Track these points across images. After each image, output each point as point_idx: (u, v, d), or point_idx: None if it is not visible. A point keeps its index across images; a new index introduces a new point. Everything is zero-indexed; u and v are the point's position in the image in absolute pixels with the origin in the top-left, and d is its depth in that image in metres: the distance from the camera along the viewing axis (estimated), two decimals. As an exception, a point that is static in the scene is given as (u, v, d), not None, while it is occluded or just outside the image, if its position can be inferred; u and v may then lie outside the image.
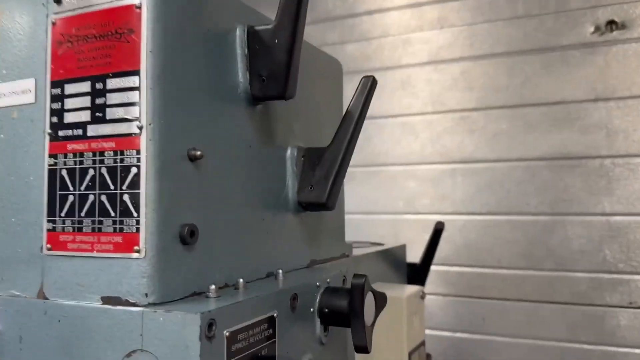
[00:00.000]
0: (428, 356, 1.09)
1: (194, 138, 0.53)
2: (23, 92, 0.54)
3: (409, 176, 1.62)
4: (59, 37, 0.52)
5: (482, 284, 1.51)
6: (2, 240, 0.54)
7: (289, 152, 0.70)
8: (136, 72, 0.49)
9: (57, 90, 0.52)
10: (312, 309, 0.63)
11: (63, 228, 0.51)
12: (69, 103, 0.51)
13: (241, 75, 0.60)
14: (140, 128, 0.48)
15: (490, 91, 1.52)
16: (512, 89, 1.48)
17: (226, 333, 0.47)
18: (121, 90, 0.49)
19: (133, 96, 0.49)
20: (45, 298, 0.51)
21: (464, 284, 1.52)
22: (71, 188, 0.51)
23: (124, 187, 0.49)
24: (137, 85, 0.49)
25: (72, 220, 0.51)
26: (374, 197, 1.66)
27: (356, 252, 0.95)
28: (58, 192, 0.51)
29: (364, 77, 0.71)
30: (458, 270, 1.54)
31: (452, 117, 1.57)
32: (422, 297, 0.93)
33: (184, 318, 0.44)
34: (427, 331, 1.51)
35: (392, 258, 1.08)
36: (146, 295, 0.47)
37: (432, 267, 1.54)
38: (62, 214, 0.51)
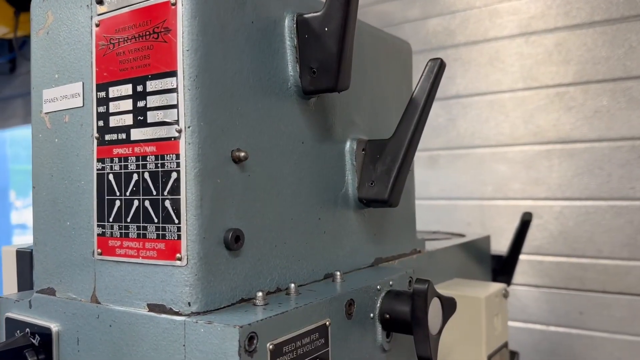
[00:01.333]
0: (513, 354, 1.02)
1: (238, 138, 0.50)
2: (72, 95, 0.54)
3: (498, 159, 1.51)
4: (102, 38, 0.51)
5: (580, 275, 1.38)
6: (59, 243, 0.55)
7: (347, 145, 0.66)
8: (174, 73, 0.47)
9: (102, 94, 0.51)
10: (372, 315, 0.59)
11: (111, 233, 0.51)
12: (113, 106, 0.51)
13: (291, 68, 0.57)
14: (179, 131, 0.46)
15: (589, 64, 1.37)
16: (614, 60, 1.32)
17: (270, 346, 0.45)
18: (160, 92, 0.48)
19: (171, 98, 0.47)
20: (98, 302, 0.52)
21: (560, 275, 1.40)
22: (117, 193, 0.50)
23: (165, 193, 0.47)
24: (174, 86, 0.47)
25: (119, 225, 0.50)
26: (459, 181, 1.57)
27: (433, 245, 0.90)
28: (106, 197, 0.51)
29: (430, 61, 0.65)
30: (553, 260, 1.42)
31: (546, 93, 1.44)
32: (505, 295, 0.86)
33: (223, 331, 0.42)
34: (518, 324, 1.42)
35: (474, 251, 1.01)
36: (189, 304, 0.46)
37: (525, 257, 1.44)
38: (110, 219, 0.51)
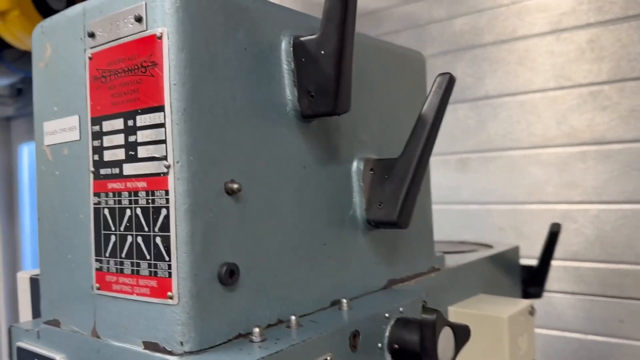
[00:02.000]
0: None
1: (232, 169, 0.49)
2: (70, 129, 0.54)
3: (530, 161, 1.46)
4: (94, 72, 0.51)
5: (619, 282, 1.31)
6: (62, 275, 0.55)
7: (354, 165, 0.63)
8: (161, 108, 0.46)
9: (97, 127, 0.51)
10: (380, 345, 0.57)
11: (108, 268, 0.50)
12: (107, 140, 0.50)
13: (289, 92, 0.55)
14: (168, 167, 0.45)
15: (624, 61, 1.30)
16: (650, 57, 1.25)
17: (263, 387, 0.43)
18: (150, 127, 0.47)
19: (160, 133, 0.46)
20: (98, 337, 0.51)
21: (598, 281, 1.34)
22: (113, 228, 0.50)
23: (156, 229, 0.46)
24: (162, 121, 0.46)
25: (115, 260, 0.50)
26: (491, 185, 1.52)
27: (455, 260, 0.86)
28: (102, 232, 0.51)
29: (439, 75, 0.62)
30: (591, 267, 1.36)
31: (579, 92, 1.37)
32: (532, 313, 0.82)
33: (213, 374, 0.41)
34: (555, 332, 1.37)
35: (502, 263, 0.97)
36: (181, 343, 0.45)
37: (560, 263, 1.38)
38: (107, 254, 0.50)
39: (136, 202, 0.48)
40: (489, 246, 1.05)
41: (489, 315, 0.75)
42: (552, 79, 1.41)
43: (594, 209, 1.36)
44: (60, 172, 0.55)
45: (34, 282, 0.68)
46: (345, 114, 0.57)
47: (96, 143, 0.51)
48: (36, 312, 0.68)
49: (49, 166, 0.57)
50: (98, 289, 0.51)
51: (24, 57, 2.36)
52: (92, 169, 0.51)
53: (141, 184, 0.47)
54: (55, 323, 0.56)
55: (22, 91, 2.66)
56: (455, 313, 0.78)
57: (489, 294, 0.90)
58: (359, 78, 0.64)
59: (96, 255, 0.51)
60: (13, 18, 1.98)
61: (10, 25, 2.02)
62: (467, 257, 0.91)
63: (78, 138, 0.53)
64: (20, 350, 0.60)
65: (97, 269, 0.51)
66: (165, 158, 0.46)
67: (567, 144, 1.39)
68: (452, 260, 0.86)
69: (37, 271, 0.71)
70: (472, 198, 1.55)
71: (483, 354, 0.76)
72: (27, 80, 2.51)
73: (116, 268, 0.50)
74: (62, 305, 0.56)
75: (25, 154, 2.92)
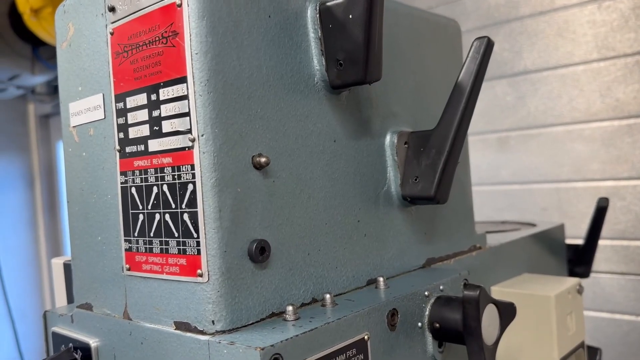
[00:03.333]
0: (595, 352, 0.93)
1: (259, 143, 0.47)
2: (95, 108, 0.52)
3: (574, 137, 1.39)
4: (116, 47, 0.49)
5: (673, 262, 1.25)
6: (92, 258, 0.54)
7: (387, 139, 0.61)
8: (184, 79, 0.44)
9: (121, 105, 0.50)
10: (420, 324, 0.54)
11: (137, 248, 0.49)
12: (131, 117, 0.49)
13: (316, 61, 0.53)
14: (193, 140, 0.44)
15: (674, 26, 1.22)
16: (703, 20, 1.17)
17: (298, 367, 0.41)
18: (173, 100, 0.45)
19: (183, 106, 0.44)
20: (130, 319, 0.50)
21: (650, 261, 1.28)
22: (140, 207, 0.49)
23: (183, 206, 0.45)
24: (185, 93, 0.44)
25: (143, 240, 0.48)
26: (532, 163, 1.46)
27: (498, 239, 0.83)
28: (130, 211, 0.50)
29: (476, 40, 0.59)
30: (641, 245, 1.29)
31: (624, 62, 1.30)
32: (580, 291, 0.78)
33: (245, 353, 0.40)
34: (604, 315, 1.31)
35: (547, 242, 0.93)
36: (213, 322, 0.43)
37: (608, 242, 1.32)
38: (136, 234, 0.49)
39: (162, 178, 0.46)
40: (533, 225, 1.01)
41: (535, 294, 0.71)
42: (594, 50, 1.34)
43: (644, 185, 1.29)
44: (87, 153, 0.54)
45: (67, 268, 0.68)
46: (377, 83, 0.54)
47: (121, 120, 0.50)
48: (70, 297, 0.68)
49: (76, 148, 0.56)
50: (128, 269, 0.50)
51: (59, 54, 2.40)
52: (117, 147, 0.50)
53: (167, 160, 0.46)
54: (87, 307, 0.56)
55: (59, 88, 2.71)
56: (499, 293, 0.74)
57: (533, 273, 0.86)
58: (390, 46, 0.61)
59: (125, 236, 0.50)
60: (46, 15, 2.01)
61: (44, 23, 2.05)
62: (510, 235, 0.87)
63: (103, 117, 0.52)
64: (56, 335, 0.60)
65: (126, 250, 0.50)
66: (189, 131, 0.44)
67: (613, 117, 1.32)
68: (494, 239, 0.82)
69: (68, 258, 0.71)
70: (513, 178, 1.49)
71: (529, 336, 0.72)
72: (63, 77, 2.56)
73: (145, 247, 0.48)
74: (93, 288, 0.55)
75: (65, 150, 2.99)
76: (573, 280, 0.78)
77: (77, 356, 0.56)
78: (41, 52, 2.34)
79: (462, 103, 0.58)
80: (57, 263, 0.69)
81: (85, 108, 0.54)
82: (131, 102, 0.49)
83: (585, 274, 0.99)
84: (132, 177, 0.49)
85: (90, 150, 0.54)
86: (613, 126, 1.33)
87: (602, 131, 1.34)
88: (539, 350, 0.71)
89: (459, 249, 0.71)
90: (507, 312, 0.55)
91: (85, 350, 0.55)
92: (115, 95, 0.50)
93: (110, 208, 0.52)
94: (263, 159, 0.46)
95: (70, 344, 0.57)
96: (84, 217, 0.55)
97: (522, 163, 1.48)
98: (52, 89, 2.71)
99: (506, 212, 1.48)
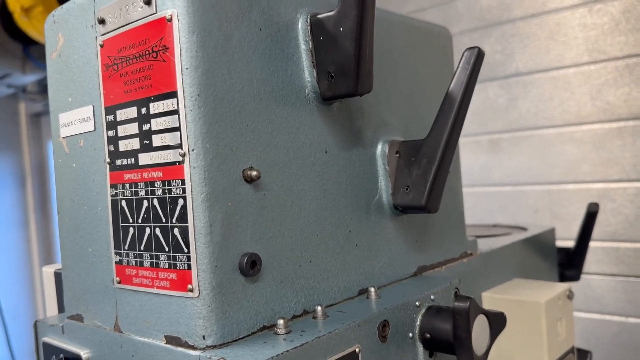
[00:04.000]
0: (584, 355, 0.94)
1: (250, 156, 0.47)
2: (84, 119, 0.52)
3: (565, 139, 1.40)
4: (106, 60, 0.49)
5: (662, 263, 1.26)
6: (83, 269, 0.54)
7: (379, 148, 0.61)
8: (174, 94, 0.44)
9: (111, 117, 0.49)
10: (411, 334, 0.54)
11: (127, 261, 0.49)
12: (121, 130, 0.49)
13: (308, 73, 0.53)
14: (183, 155, 0.44)
15: (664, 30, 1.23)
16: (693, 25, 1.18)
17: (289, 382, 0.41)
18: (163, 114, 0.45)
19: (174, 120, 0.44)
20: (120, 331, 0.50)
21: (638, 262, 1.29)
22: (130, 220, 0.48)
23: (173, 220, 0.45)
24: (175, 108, 0.44)
25: (134, 253, 0.48)
26: (524, 165, 1.47)
27: (488, 244, 0.83)
28: (120, 224, 0.49)
29: (466, 50, 0.59)
30: (630, 247, 1.30)
31: (614, 66, 1.31)
32: (570, 297, 0.78)
33: (236, 369, 0.40)
34: (594, 316, 1.32)
35: (538, 246, 0.93)
36: (203, 337, 0.43)
37: (599, 244, 1.33)
38: (126, 247, 0.49)
39: (153, 192, 0.46)
40: (524, 229, 1.01)
41: (525, 300, 0.72)
42: (585, 53, 1.35)
43: (633, 187, 1.30)
44: (77, 164, 0.54)
45: (58, 277, 0.67)
46: (368, 94, 0.54)
47: (111, 133, 0.50)
48: (61, 306, 0.68)
49: (66, 159, 0.55)
50: (118, 282, 0.50)
51: (50, 53, 2.38)
52: (107, 159, 0.50)
53: (157, 174, 0.46)
54: (78, 318, 0.56)
55: (50, 87, 2.69)
56: (490, 299, 0.75)
57: (524, 278, 0.87)
58: (381, 56, 0.61)
59: (115, 249, 0.50)
60: (37, 14, 2.00)
61: (35, 22, 2.03)
62: (501, 240, 0.87)
63: (93, 129, 0.52)
64: (46, 345, 0.59)
65: (117, 262, 0.50)
66: (180, 146, 0.44)
67: (604, 120, 1.33)
68: (485, 245, 0.82)
69: (59, 266, 0.70)
70: (505, 179, 1.50)
71: (520, 342, 0.73)
72: (55, 76, 2.54)
73: (135, 261, 0.48)
74: (84, 299, 0.55)
75: (56, 149, 2.97)
76: (563, 286, 0.78)
77: (67, 367, 0.56)
78: (32, 50, 2.33)
79: (452, 113, 0.58)
80: (48, 272, 0.69)
81: (75, 119, 0.53)
82: (121, 115, 0.48)
83: (575, 277, 1.00)
84: (122, 190, 0.49)
85: (80, 161, 0.54)
86: (603, 129, 1.34)
87: (593, 134, 1.35)
88: (530, 356, 0.72)
89: (450, 255, 0.72)
90: (497, 322, 0.56)
91: (76, 361, 0.55)
92: (105, 108, 0.50)
93: (101, 220, 0.52)
94: (254, 173, 0.46)
95: (61, 355, 0.57)
96: (75, 228, 0.55)
97: (514, 165, 1.49)
98: (43, 87, 2.69)
99: (498, 213, 1.48)
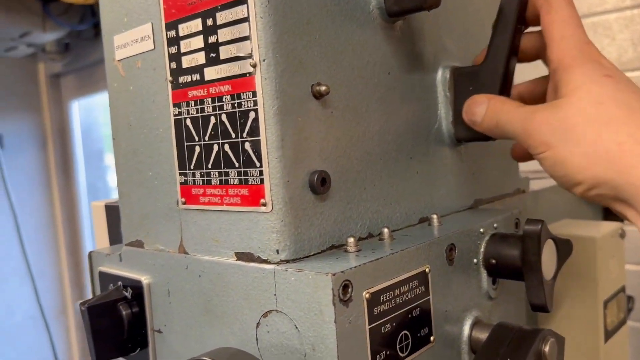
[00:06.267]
0: (629, 299, 0.93)
1: (318, 71, 0.45)
2: (142, 38, 0.51)
3: (602, 88, 1.36)
4: (167, -27, 0.47)
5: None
6: (143, 194, 0.54)
7: (439, 75, 0.59)
8: (243, 1, 0.42)
9: (172, 33, 0.48)
10: (475, 260, 0.53)
11: (194, 181, 0.48)
12: (184, 45, 0.47)
13: (373, -13, 0.50)
14: (254, 66, 0.42)
15: None
16: None
17: (366, 295, 0.41)
18: (231, 24, 0.43)
19: (244, 29, 0.42)
20: (186, 252, 0.50)
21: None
22: (197, 138, 0.47)
23: (244, 135, 0.43)
24: (245, 15, 0.42)
25: (200, 172, 0.47)
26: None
27: (539, 184, 0.82)
28: (185, 144, 0.48)
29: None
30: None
31: (660, 9, 1.26)
32: (622, 235, 0.77)
33: (315, 279, 0.39)
34: (634, 267, 1.30)
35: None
36: (277, 251, 0.43)
37: None
38: (192, 167, 0.48)
39: (221, 107, 0.45)
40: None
41: (580, 235, 0.71)
42: (628, -3, 1.30)
43: (675, 136, 1.26)
44: (135, 86, 0.53)
45: (110, 210, 0.67)
46: (429, 15, 0.52)
47: (172, 50, 0.48)
48: (113, 240, 0.68)
49: (122, 82, 0.54)
50: (184, 203, 0.49)
51: (70, 10, 2.36)
52: (170, 78, 0.49)
53: (225, 88, 0.44)
54: (138, 244, 0.55)
55: (70, 46, 2.67)
56: (542, 236, 0.73)
57: (574, 218, 0.85)
58: (443, -24, 0.59)
59: (180, 169, 0.49)
60: (58, -32, 1.97)
61: (56, -24, 2.00)
62: (551, 180, 0.85)
63: (152, 47, 0.50)
64: (103, 274, 0.59)
65: (181, 183, 0.49)
66: (250, 56, 0.42)
67: (645, 67, 1.29)
68: (536, 184, 0.81)
69: (109, 200, 0.70)
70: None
71: (574, 278, 0.72)
72: (74, 35, 2.52)
73: (202, 180, 0.47)
74: (145, 224, 0.54)
75: (76, 110, 2.96)
76: (615, 224, 0.77)
77: (127, 294, 0.56)
78: (52, 8, 2.30)
79: (508, 30, 0.55)
80: (98, 206, 0.69)
81: (132, 40, 0.52)
82: (184, 29, 0.47)
83: (620, 220, 0.98)
84: (186, 108, 0.48)
85: (138, 83, 0.52)
86: (645, 76, 1.30)
87: (635, 81, 1.31)
88: (582, 292, 0.71)
89: (505, 191, 0.70)
90: (564, 249, 0.54)
91: (136, 287, 0.54)
92: (166, 24, 0.48)
93: (162, 142, 0.51)
94: (323, 88, 0.45)
95: (120, 282, 0.57)
96: (133, 152, 0.54)
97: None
98: (63, 47, 2.67)
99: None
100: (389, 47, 0.52)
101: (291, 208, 0.43)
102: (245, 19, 0.42)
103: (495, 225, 0.56)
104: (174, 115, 0.49)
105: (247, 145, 0.43)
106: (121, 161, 0.56)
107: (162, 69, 0.49)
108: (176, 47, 0.48)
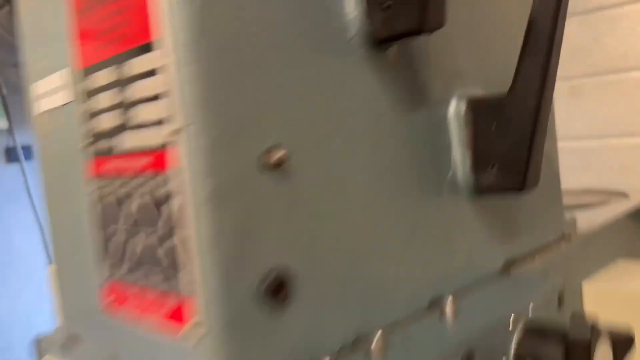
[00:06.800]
0: None
1: (273, 130, 0.33)
2: (57, 89, 0.39)
3: (662, 82, 1.19)
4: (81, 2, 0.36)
5: None
6: (73, 283, 0.43)
7: (452, 108, 0.45)
8: (156, 44, 0.30)
9: (88, 83, 0.36)
10: (504, 358, 0.40)
11: (113, 277, 0.37)
12: (100, 100, 0.35)
13: (352, 3, 0.37)
14: (176, 133, 0.30)
15: None
16: None
17: None
18: (147, 75, 0.31)
19: (159, 83, 0.30)
20: (118, 365, 0.39)
21: None
22: (114, 225, 0.36)
23: (168, 227, 0.32)
24: (162, 63, 0.30)
25: (121, 268, 0.36)
26: (610, 115, 1.27)
27: (587, 219, 0.67)
28: (103, 231, 0.37)
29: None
30: None
31: None
32: (698, 286, 0.61)
33: None
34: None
35: (643, 216, 0.76)
36: (215, 395, 0.31)
37: None
38: (112, 259, 0.37)
39: (141, 186, 0.33)
40: (623, 194, 0.83)
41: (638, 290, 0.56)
42: (692, -24, 1.11)
43: None
44: (54, 149, 0.42)
45: (65, 276, 0.57)
46: (437, 34, 0.39)
47: (87, 106, 0.36)
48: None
49: (43, 141, 0.43)
50: (107, 307, 0.38)
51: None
52: (84, 143, 0.37)
53: (144, 161, 0.32)
54: (74, 339, 0.45)
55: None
56: (595, 291, 0.59)
57: (629, 257, 0.70)
58: (453, -20, 0.45)
59: (101, 261, 0.38)
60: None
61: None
62: (601, 213, 0.70)
63: (66, 101, 0.39)
64: (48, 364, 0.49)
65: (103, 280, 0.38)
66: (170, 121, 0.30)
67: None
68: (583, 219, 0.66)
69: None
70: (589, 132, 1.30)
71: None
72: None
73: (124, 277, 0.36)
74: (78, 320, 0.43)
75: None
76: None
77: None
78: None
79: (543, 49, 0.42)
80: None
81: (49, 89, 0.41)
82: (98, 79, 0.35)
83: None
84: (99, 184, 0.36)
85: (58, 145, 0.41)
86: None
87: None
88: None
89: (545, 240, 0.56)
90: (622, 345, 0.41)
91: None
92: (82, 70, 0.37)
93: (82, 223, 0.39)
94: (279, 154, 0.32)
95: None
96: (65, 232, 0.43)
97: (599, 114, 1.28)
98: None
99: (581, 172, 1.29)
100: (379, 83, 0.39)
101: (233, 328, 0.31)
102: (161, 69, 0.30)
103: (531, 306, 0.43)
104: (89, 193, 0.37)
105: (172, 242, 0.31)
106: (55, 237, 0.45)
107: (78, 130, 0.38)
108: (90, 102, 0.36)
